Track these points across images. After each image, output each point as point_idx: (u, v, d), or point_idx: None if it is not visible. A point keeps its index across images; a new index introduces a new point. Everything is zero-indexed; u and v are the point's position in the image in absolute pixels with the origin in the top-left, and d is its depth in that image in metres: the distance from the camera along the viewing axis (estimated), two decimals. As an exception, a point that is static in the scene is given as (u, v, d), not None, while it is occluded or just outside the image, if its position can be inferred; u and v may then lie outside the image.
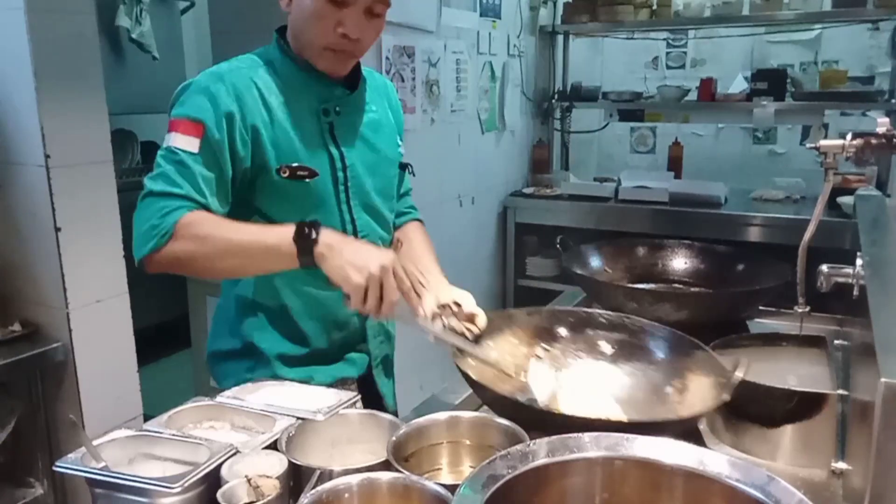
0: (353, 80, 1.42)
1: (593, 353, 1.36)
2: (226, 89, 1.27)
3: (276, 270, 1.29)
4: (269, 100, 1.31)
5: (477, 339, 1.31)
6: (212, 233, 1.20)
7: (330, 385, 1.37)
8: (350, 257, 1.15)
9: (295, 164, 1.31)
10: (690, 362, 1.26)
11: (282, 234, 1.18)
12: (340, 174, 1.37)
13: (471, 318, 1.33)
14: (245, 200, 1.32)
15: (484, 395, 1.08)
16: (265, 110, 1.30)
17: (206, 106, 1.25)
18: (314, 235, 1.16)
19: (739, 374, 1.13)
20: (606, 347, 1.36)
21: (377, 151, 1.45)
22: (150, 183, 1.23)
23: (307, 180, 1.33)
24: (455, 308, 1.32)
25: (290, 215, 1.29)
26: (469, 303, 1.34)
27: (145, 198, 1.22)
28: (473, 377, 1.15)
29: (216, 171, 1.25)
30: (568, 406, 1.20)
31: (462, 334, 1.29)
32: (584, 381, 1.31)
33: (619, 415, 1.19)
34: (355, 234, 1.41)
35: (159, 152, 1.26)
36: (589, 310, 1.44)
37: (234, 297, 1.42)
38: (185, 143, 1.24)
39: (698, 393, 1.18)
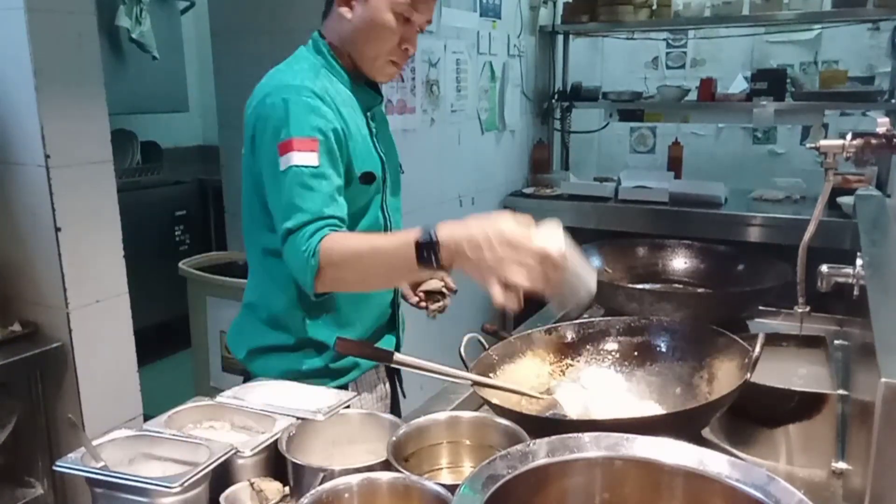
0: (378, 87, 1.48)
1: (617, 361, 1.36)
2: (321, 100, 1.29)
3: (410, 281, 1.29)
4: (340, 109, 1.34)
5: (498, 363, 1.32)
6: (350, 250, 1.21)
7: (370, 370, 1.48)
8: (474, 255, 1.05)
9: (366, 171, 1.37)
10: (714, 350, 1.26)
11: (404, 250, 1.12)
12: (384, 176, 1.44)
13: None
14: None
15: (516, 419, 1.07)
16: (342, 119, 1.33)
17: (314, 120, 1.27)
18: (433, 239, 1.09)
19: (758, 350, 1.12)
20: (629, 352, 1.36)
21: (396, 151, 1.55)
22: (284, 221, 1.24)
23: (370, 184, 1.38)
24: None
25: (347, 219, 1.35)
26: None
27: (286, 238, 1.23)
28: (499, 404, 1.14)
29: (336, 180, 1.28)
30: (604, 414, 1.20)
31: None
32: (613, 388, 1.32)
33: (657, 410, 1.19)
34: None
35: (279, 174, 1.25)
36: (606, 318, 1.44)
37: (286, 295, 1.42)
38: (304, 158, 1.24)
39: (726, 379, 1.19)
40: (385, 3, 1.32)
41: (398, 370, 1.58)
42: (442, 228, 1.09)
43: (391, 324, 1.55)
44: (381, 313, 1.52)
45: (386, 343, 1.54)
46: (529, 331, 1.40)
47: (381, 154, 1.44)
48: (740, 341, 1.21)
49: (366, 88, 1.44)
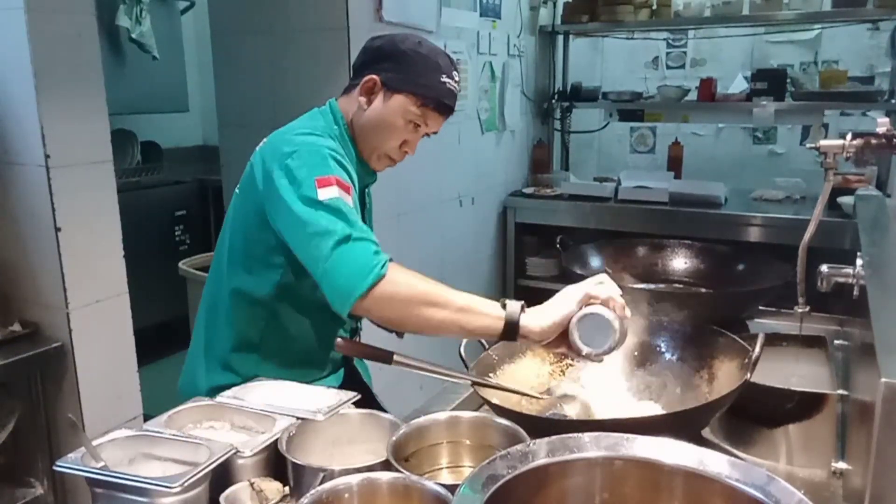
0: None
1: (617, 361, 1.35)
2: (346, 162, 1.32)
3: (469, 337, 1.28)
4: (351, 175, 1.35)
5: (498, 363, 1.33)
6: (420, 280, 1.20)
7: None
8: (548, 319, 1.19)
9: None
10: (714, 350, 1.26)
11: (489, 307, 1.20)
12: None
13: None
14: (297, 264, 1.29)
15: (516, 419, 1.09)
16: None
17: (346, 175, 1.29)
18: (519, 319, 1.18)
19: (757, 350, 1.13)
20: (629, 352, 1.36)
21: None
22: (341, 227, 1.19)
23: None
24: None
25: None
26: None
27: (344, 242, 1.18)
28: (499, 404, 1.14)
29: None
30: (604, 414, 1.20)
31: None
32: (613, 388, 1.32)
33: (657, 410, 1.19)
34: None
35: (318, 202, 1.22)
36: None
37: (241, 336, 1.43)
38: (348, 200, 1.24)
39: (726, 379, 1.19)
40: (400, 108, 1.38)
41: (358, 373, 1.58)
42: (530, 322, 1.18)
43: (344, 368, 1.56)
44: (335, 364, 1.53)
45: (340, 374, 1.54)
46: None
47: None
48: (740, 341, 1.21)
49: (365, 165, 1.47)
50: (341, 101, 1.46)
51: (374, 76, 1.39)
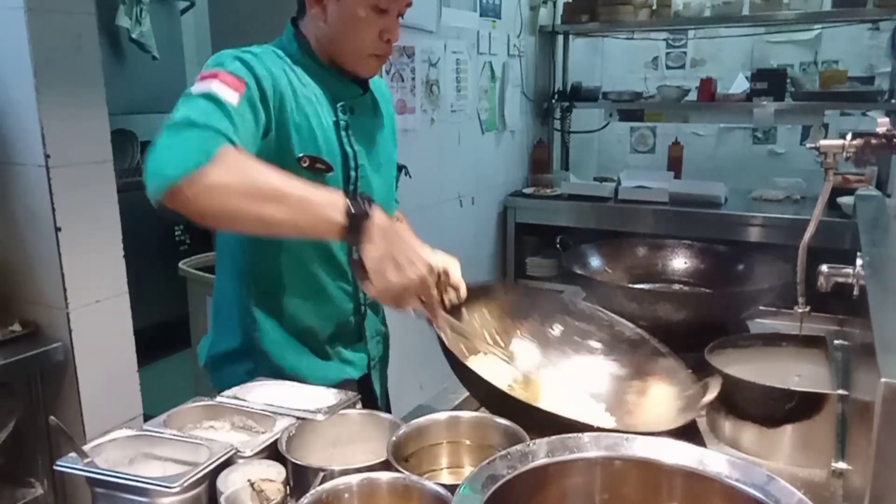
0: (364, 81, 1.44)
1: (564, 341, 1.37)
2: (262, 64, 1.24)
3: (305, 235, 1.18)
4: (295, 85, 1.30)
5: (455, 309, 1.32)
6: (257, 169, 1.09)
7: (332, 387, 1.37)
8: (396, 252, 1.11)
9: (315, 156, 1.31)
10: (656, 367, 1.28)
11: (333, 199, 1.10)
12: (353, 173, 1.38)
13: (454, 288, 1.33)
14: None
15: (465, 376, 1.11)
16: (292, 95, 1.29)
17: (245, 71, 1.20)
18: (370, 213, 1.10)
19: (709, 398, 1.13)
20: (582, 338, 1.38)
21: (384, 153, 1.48)
22: (186, 114, 1.09)
23: (323, 174, 1.32)
24: (443, 277, 1.31)
25: None
26: (455, 272, 1.34)
27: (183, 127, 1.08)
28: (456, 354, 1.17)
29: (250, 135, 1.18)
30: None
31: (441, 302, 1.28)
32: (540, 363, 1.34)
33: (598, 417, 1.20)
34: None
35: (189, 95, 1.14)
36: (563, 295, 1.47)
37: (235, 296, 1.41)
38: (227, 94, 1.14)
39: (660, 401, 1.21)
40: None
41: (372, 390, 1.53)
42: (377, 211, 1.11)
43: (356, 337, 1.48)
44: (340, 323, 1.44)
45: (356, 361, 1.47)
46: (489, 283, 1.44)
47: (351, 148, 1.37)
48: (685, 371, 1.23)
49: (342, 79, 1.38)
50: (304, 28, 1.38)
51: None
